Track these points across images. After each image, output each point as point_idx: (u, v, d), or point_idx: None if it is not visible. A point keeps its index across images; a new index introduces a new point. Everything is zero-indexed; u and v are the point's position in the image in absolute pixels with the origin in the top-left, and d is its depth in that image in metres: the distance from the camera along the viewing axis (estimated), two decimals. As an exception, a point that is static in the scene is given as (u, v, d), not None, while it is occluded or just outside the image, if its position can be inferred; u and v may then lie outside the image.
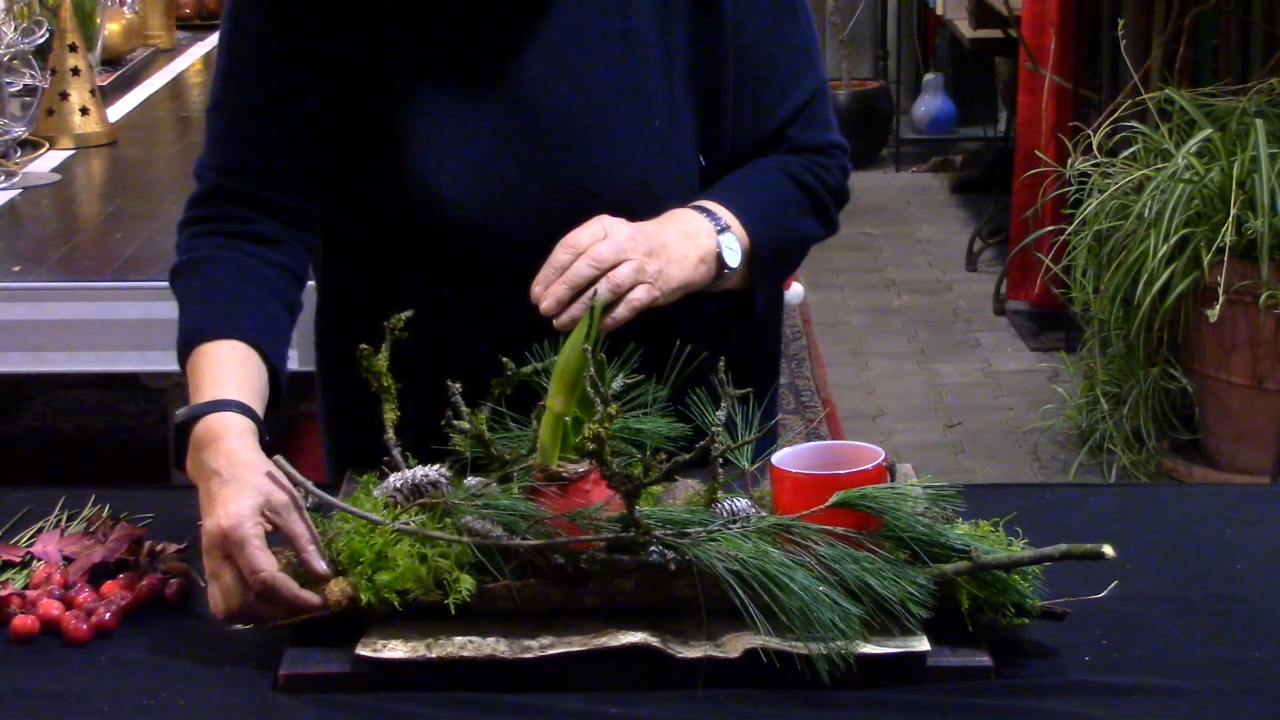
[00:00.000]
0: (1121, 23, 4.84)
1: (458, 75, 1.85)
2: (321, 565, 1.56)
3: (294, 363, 2.72)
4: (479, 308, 1.87)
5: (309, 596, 1.54)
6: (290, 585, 1.54)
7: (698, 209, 1.84)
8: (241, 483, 1.60)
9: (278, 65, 1.86)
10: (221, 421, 1.66)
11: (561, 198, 1.84)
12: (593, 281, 1.70)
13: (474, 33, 1.85)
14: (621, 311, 1.71)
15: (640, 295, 1.72)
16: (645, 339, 1.74)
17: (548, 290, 1.70)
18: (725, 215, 1.85)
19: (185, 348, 1.77)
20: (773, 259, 1.90)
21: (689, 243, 1.80)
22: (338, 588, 1.54)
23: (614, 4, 1.86)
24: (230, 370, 1.73)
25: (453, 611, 1.49)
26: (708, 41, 1.88)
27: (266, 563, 1.55)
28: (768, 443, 1.85)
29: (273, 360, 1.79)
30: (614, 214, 1.79)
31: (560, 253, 1.71)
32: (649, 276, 1.74)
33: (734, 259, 1.83)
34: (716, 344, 1.87)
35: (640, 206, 1.83)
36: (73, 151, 3.60)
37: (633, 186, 1.86)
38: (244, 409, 1.69)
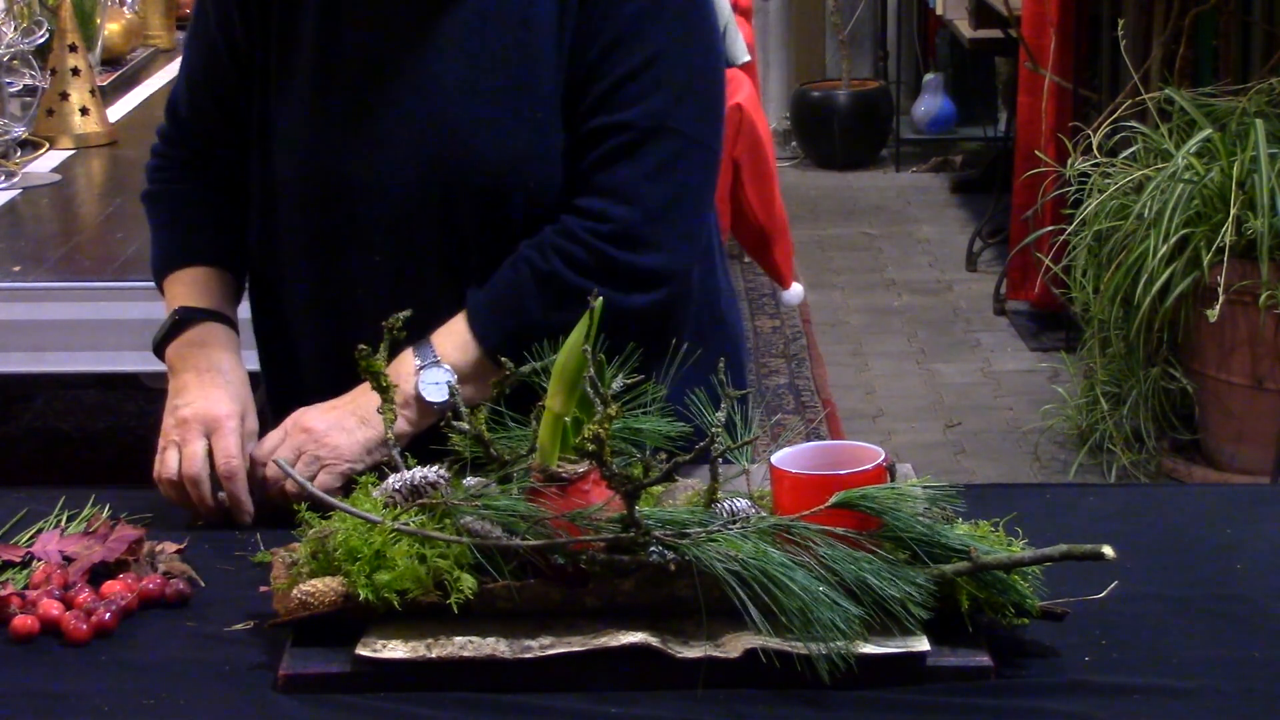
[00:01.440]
0: (1121, 23, 4.84)
1: (361, 48, 1.90)
2: (248, 504, 1.83)
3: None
4: (361, 271, 1.93)
5: (248, 503, 1.82)
6: (243, 482, 1.82)
7: (415, 347, 1.85)
8: (235, 389, 1.90)
9: (210, 31, 1.99)
10: (221, 331, 1.97)
11: (439, 171, 1.88)
12: (270, 488, 1.83)
13: (385, 9, 1.90)
14: (312, 487, 1.70)
15: (324, 479, 1.80)
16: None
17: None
18: (439, 345, 1.85)
19: (163, 271, 2.04)
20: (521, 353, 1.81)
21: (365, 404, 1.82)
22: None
23: None
24: (214, 289, 2.01)
25: (455, 611, 1.49)
26: (583, 39, 1.88)
27: (238, 464, 1.83)
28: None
29: (237, 280, 2.06)
30: (483, 196, 1.87)
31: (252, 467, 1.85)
32: (326, 459, 1.82)
33: (438, 394, 1.82)
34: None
35: (510, 187, 1.87)
36: (73, 151, 3.60)
37: (505, 169, 1.88)
38: (233, 326, 1.99)
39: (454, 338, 1.86)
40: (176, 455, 1.85)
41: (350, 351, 1.69)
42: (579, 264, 1.84)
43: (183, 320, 1.96)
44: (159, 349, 1.98)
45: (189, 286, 2.00)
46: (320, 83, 1.92)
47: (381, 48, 1.90)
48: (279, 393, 2.04)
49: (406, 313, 1.76)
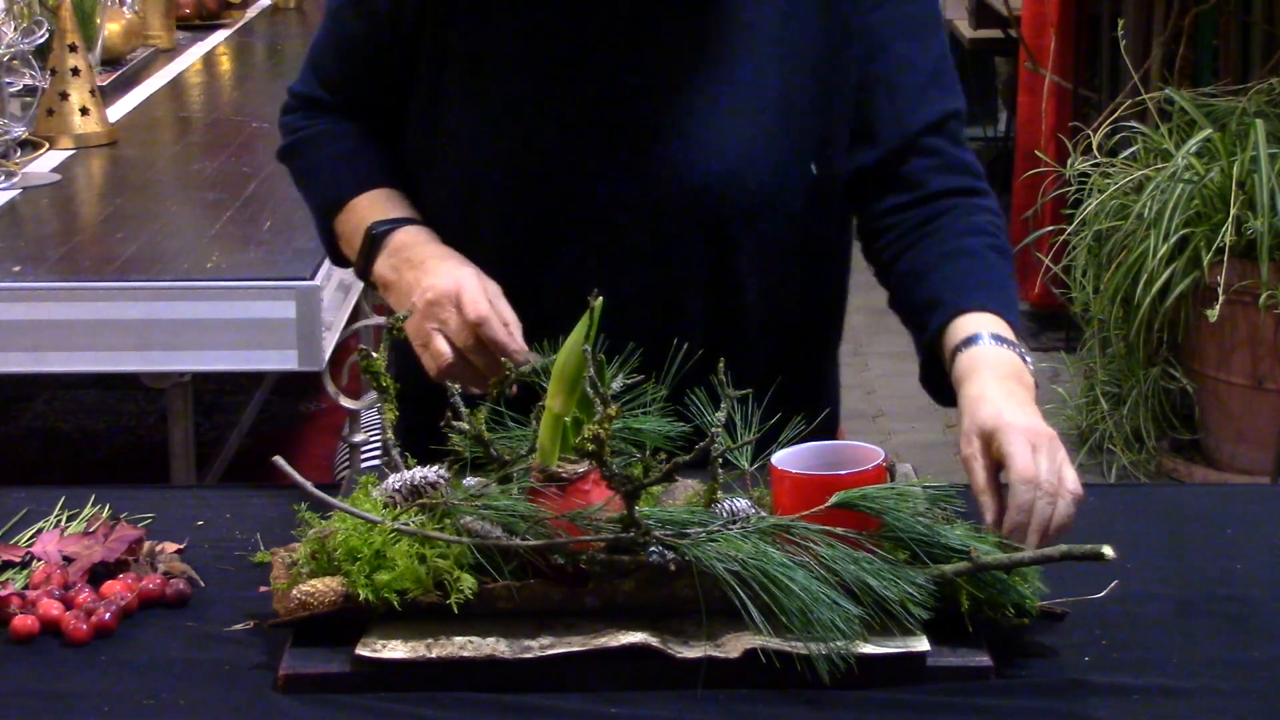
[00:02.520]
0: (1121, 23, 4.84)
1: (576, 29, 1.86)
2: (520, 343, 1.76)
3: (294, 363, 2.74)
4: (554, 261, 1.89)
5: (519, 345, 1.76)
6: (498, 325, 1.76)
7: (1010, 348, 1.75)
8: (460, 261, 1.83)
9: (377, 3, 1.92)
10: (424, 231, 1.90)
11: (653, 168, 1.85)
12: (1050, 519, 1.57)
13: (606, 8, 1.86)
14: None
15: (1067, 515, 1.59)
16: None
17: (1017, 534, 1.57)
18: (1010, 336, 1.77)
19: (336, 203, 1.96)
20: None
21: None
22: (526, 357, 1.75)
23: None
24: (398, 202, 1.94)
25: (455, 611, 1.49)
26: (833, 44, 1.87)
27: (487, 309, 1.76)
28: None
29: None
30: (701, 200, 1.84)
31: (1023, 491, 1.57)
32: (1072, 490, 1.60)
33: None
34: (785, 382, 1.87)
35: (730, 195, 1.85)
36: (73, 151, 3.60)
37: (725, 173, 1.86)
38: (431, 232, 1.90)
39: (992, 323, 1.76)
40: (442, 339, 1.77)
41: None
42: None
43: (379, 234, 1.89)
44: (364, 273, 1.91)
45: (371, 207, 1.93)
46: (526, 73, 1.87)
47: (599, 42, 1.86)
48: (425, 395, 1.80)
49: (405, 313, 1.76)
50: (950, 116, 1.91)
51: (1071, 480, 1.59)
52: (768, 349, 1.94)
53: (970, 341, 1.74)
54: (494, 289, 1.81)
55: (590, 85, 1.86)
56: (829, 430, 2.02)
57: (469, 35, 1.89)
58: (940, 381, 1.80)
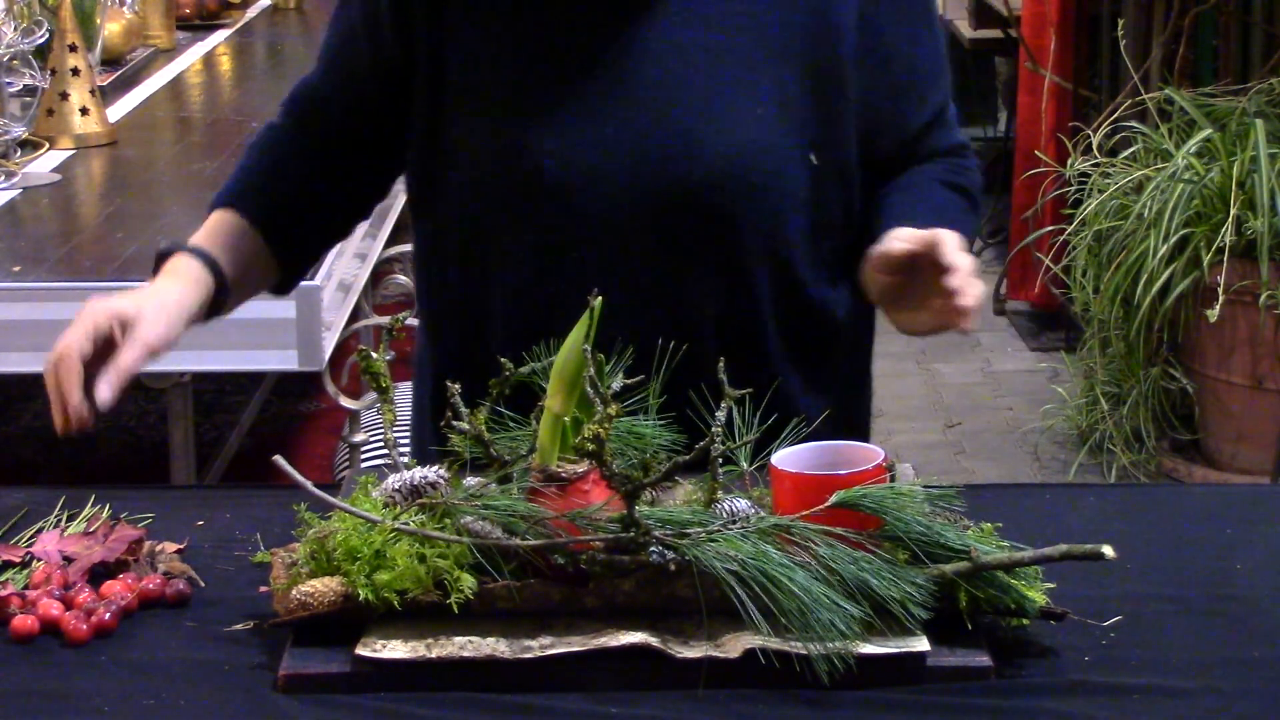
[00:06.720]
0: (1121, 23, 4.84)
1: (571, 33, 1.86)
2: (105, 391, 1.74)
3: (294, 363, 2.74)
4: (563, 264, 1.88)
5: (73, 403, 1.73)
6: (70, 370, 1.73)
7: None
8: (140, 298, 1.81)
9: (380, 14, 1.91)
10: (182, 260, 1.88)
11: (654, 167, 1.85)
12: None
13: (593, 7, 1.86)
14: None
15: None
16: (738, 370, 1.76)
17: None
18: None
19: (217, 201, 1.96)
20: None
21: None
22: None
23: None
24: (221, 236, 1.92)
25: (455, 611, 1.49)
26: (828, 40, 1.88)
27: (76, 341, 1.74)
28: None
29: (268, 238, 1.96)
30: (703, 195, 1.85)
31: (962, 281, 1.71)
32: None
33: None
34: (807, 370, 1.88)
35: (732, 189, 1.85)
36: (73, 151, 3.60)
37: (727, 167, 1.85)
38: (205, 256, 1.88)
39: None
40: (67, 339, 1.76)
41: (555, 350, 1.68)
42: (973, 186, 2.00)
43: (163, 254, 1.90)
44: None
45: (205, 229, 1.94)
46: (524, 79, 1.87)
47: (593, 44, 1.86)
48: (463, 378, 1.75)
49: (407, 314, 1.76)
50: (943, 108, 1.99)
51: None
52: (785, 344, 1.93)
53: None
54: (147, 336, 1.78)
55: (587, 85, 1.86)
56: (860, 428, 2.04)
57: (466, 46, 1.88)
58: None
